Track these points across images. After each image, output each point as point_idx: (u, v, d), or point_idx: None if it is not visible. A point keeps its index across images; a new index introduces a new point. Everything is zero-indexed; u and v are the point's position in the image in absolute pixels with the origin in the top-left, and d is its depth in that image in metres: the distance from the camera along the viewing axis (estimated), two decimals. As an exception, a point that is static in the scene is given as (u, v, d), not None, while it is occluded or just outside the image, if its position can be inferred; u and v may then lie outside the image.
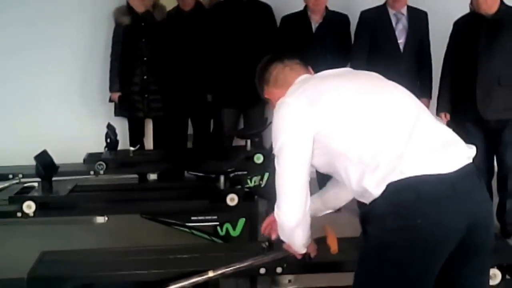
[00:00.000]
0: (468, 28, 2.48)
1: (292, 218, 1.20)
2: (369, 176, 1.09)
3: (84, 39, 3.48)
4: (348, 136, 1.13)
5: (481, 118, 2.43)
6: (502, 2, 2.40)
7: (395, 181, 1.05)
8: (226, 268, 1.39)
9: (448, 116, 2.53)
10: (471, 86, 2.42)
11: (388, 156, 1.08)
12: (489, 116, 2.41)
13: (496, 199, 2.66)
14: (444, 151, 1.10)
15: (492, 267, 1.42)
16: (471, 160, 1.11)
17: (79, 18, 3.43)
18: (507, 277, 1.51)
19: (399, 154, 1.07)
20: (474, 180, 1.10)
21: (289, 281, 1.69)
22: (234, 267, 1.40)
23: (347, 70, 1.34)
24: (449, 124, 2.41)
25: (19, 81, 3.46)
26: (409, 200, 1.04)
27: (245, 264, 1.41)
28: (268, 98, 1.34)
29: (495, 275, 1.47)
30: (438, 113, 2.53)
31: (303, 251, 1.31)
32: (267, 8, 3.07)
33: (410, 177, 1.04)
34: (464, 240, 1.06)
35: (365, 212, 1.13)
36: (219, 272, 1.38)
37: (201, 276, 1.37)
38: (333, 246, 1.34)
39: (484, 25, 2.39)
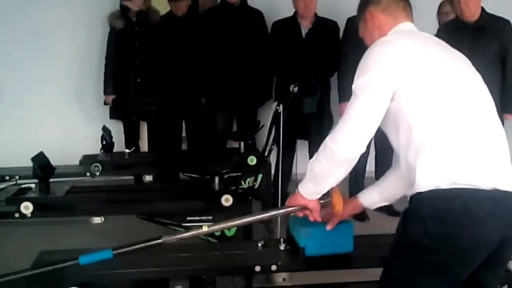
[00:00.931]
0: (451, 34, 2.57)
1: (353, 148, 1.13)
2: (422, 161, 1.08)
3: (79, 42, 3.50)
4: (425, 109, 1.10)
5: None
6: (483, 10, 2.51)
7: (444, 189, 1.06)
8: (222, 223, 1.38)
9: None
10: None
11: (449, 154, 1.07)
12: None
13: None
14: (500, 169, 1.10)
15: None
16: None
17: (74, 22, 3.46)
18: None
19: (460, 157, 1.07)
20: None
21: (284, 279, 1.73)
22: (230, 223, 1.39)
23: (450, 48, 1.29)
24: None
25: (16, 84, 3.47)
26: (454, 210, 1.06)
27: (244, 220, 1.40)
28: (365, 19, 1.29)
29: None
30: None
31: (316, 197, 1.25)
32: (259, 14, 3.14)
33: (460, 188, 1.06)
34: (493, 253, 1.11)
35: (409, 209, 1.13)
36: (215, 227, 1.38)
37: (196, 230, 1.37)
38: (338, 206, 1.31)
39: (467, 32, 2.49)
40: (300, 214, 1.32)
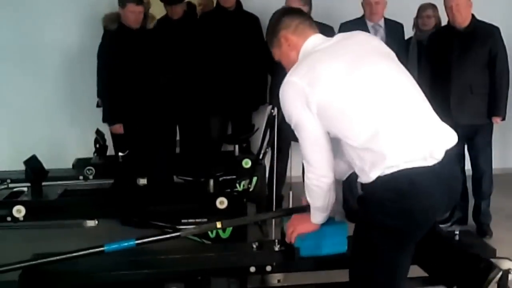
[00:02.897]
0: (442, 40, 2.64)
1: (325, 181, 1.31)
2: (364, 160, 1.22)
3: (72, 45, 3.49)
4: (343, 122, 1.25)
5: (455, 123, 2.57)
6: (473, 17, 2.57)
7: (390, 173, 1.19)
8: (234, 220, 1.56)
9: None
10: (445, 94, 2.58)
11: (381, 145, 1.20)
12: (463, 121, 2.57)
13: (471, 201, 2.80)
14: (432, 141, 1.23)
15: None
16: (453, 145, 1.26)
17: (68, 24, 3.45)
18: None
19: (393, 143, 1.20)
20: (454, 166, 1.29)
21: (278, 280, 1.74)
22: (240, 221, 1.55)
23: (349, 41, 1.38)
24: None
25: (8, 86, 3.44)
26: (404, 188, 1.19)
27: (253, 218, 1.56)
28: (279, 43, 1.39)
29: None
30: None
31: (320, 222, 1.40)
32: (254, 19, 3.16)
33: (403, 170, 1.19)
34: None
35: (364, 197, 1.26)
36: (227, 223, 1.52)
37: (210, 225, 1.52)
38: None
39: (458, 37, 2.56)
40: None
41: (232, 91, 3.10)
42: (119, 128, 2.87)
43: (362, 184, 1.27)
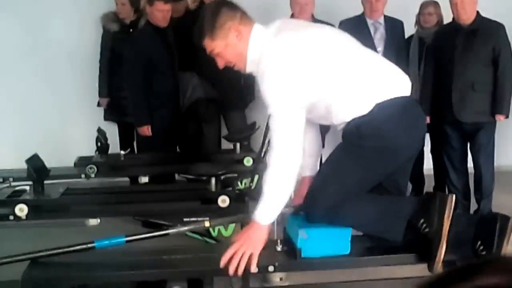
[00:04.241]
0: (447, 36, 2.63)
1: (296, 163, 1.33)
2: (357, 100, 1.37)
3: (74, 43, 3.49)
4: (340, 68, 1.38)
5: (457, 120, 2.57)
6: (478, 13, 2.56)
7: (386, 100, 1.36)
8: (222, 219, 1.58)
9: (427, 119, 2.67)
10: (448, 91, 2.58)
11: (377, 81, 1.40)
12: (464, 119, 2.57)
13: (473, 199, 2.79)
14: (404, 77, 1.45)
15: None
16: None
17: (70, 23, 3.44)
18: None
19: (385, 80, 1.41)
20: None
21: (280, 279, 1.74)
22: (228, 219, 1.58)
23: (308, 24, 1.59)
24: (428, 127, 2.60)
25: (10, 85, 3.45)
26: (399, 113, 1.37)
27: (242, 217, 1.56)
28: (225, 34, 1.38)
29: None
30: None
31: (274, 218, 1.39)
32: None
33: (396, 98, 1.38)
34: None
35: (360, 123, 1.37)
36: (215, 222, 1.53)
37: (199, 224, 1.53)
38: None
39: (461, 34, 2.55)
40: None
41: (225, 89, 3.09)
42: (147, 130, 2.81)
43: (352, 121, 1.37)
